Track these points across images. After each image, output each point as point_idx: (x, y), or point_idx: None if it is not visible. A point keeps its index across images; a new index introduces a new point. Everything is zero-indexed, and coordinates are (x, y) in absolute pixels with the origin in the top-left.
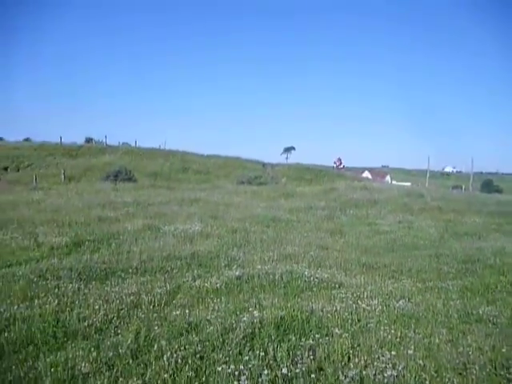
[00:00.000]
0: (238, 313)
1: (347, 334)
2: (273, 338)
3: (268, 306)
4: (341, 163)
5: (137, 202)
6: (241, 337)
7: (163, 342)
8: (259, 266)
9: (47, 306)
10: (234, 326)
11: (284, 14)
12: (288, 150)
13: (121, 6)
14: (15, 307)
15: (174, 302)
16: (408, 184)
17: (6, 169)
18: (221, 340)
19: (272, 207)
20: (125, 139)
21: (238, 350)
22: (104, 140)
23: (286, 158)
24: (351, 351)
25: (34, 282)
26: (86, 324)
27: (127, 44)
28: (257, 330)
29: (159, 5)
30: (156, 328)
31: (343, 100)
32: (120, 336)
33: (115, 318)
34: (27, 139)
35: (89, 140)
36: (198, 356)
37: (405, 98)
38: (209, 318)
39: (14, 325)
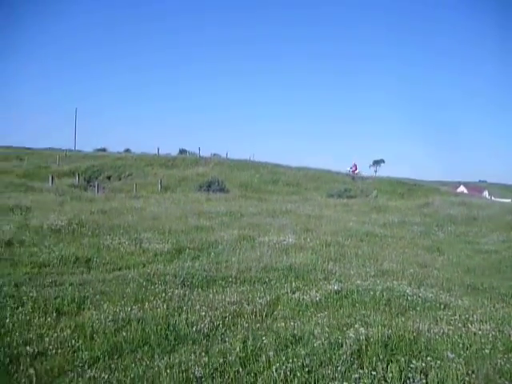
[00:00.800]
0: (342, 328)
1: (460, 359)
2: (381, 356)
3: (372, 323)
4: (356, 169)
5: (230, 212)
6: (348, 353)
7: (271, 353)
8: (358, 282)
9: (158, 309)
10: (340, 341)
11: None
12: (377, 162)
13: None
14: (129, 309)
15: (275, 313)
16: (508, 200)
17: (109, 178)
18: (328, 355)
19: (364, 221)
20: (216, 151)
21: (346, 366)
22: (197, 151)
23: (375, 171)
24: (467, 378)
25: (144, 286)
26: (194, 329)
27: (220, 59)
28: (364, 348)
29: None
30: (263, 338)
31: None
32: (227, 343)
33: (221, 326)
34: (128, 150)
35: (183, 151)
36: (306, 370)
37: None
38: (313, 331)
39: (130, 325)
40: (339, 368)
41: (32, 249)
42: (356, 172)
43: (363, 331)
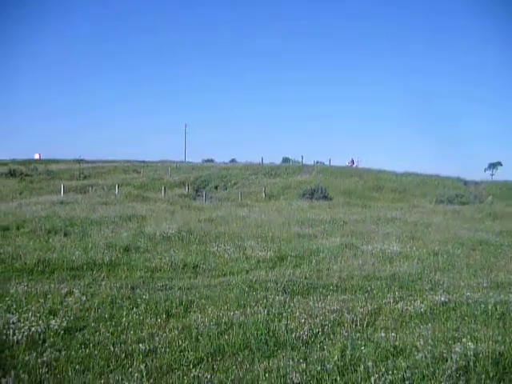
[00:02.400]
0: (448, 342)
1: None
2: (490, 374)
3: (482, 338)
4: (353, 163)
5: (333, 220)
6: (453, 369)
7: (370, 364)
8: (468, 293)
9: (259, 314)
10: (445, 355)
11: None
12: (494, 165)
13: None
14: (232, 313)
15: (376, 323)
16: None
17: (216, 187)
18: (431, 369)
19: (477, 229)
20: (319, 158)
21: (450, 382)
22: (300, 159)
23: (491, 175)
24: None
25: (246, 292)
26: (293, 336)
27: (323, 67)
28: (471, 364)
29: None
30: (362, 348)
31: None
32: (326, 351)
33: (320, 333)
34: (233, 160)
35: (286, 160)
36: (406, 383)
37: None
38: (416, 343)
39: (232, 329)
40: None
41: (146, 254)
42: (354, 165)
43: (471, 346)
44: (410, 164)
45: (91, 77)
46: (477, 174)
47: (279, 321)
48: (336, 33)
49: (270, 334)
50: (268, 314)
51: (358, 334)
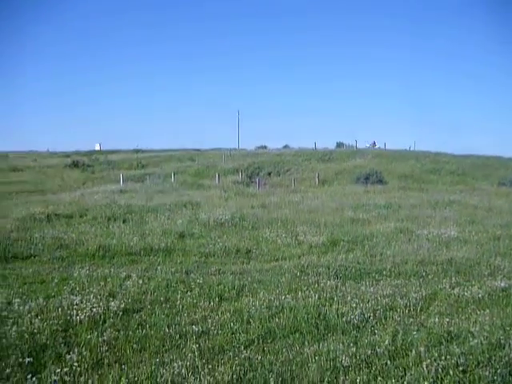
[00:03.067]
0: (506, 328)
1: None
2: None
3: None
4: (375, 144)
5: (388, 205)
6: (511, 356)
7: (422, 349)
8: None
9: (310, 299)
10: (503, 342)
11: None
12: None
13: None
14: (283, 297)
15: (430, 308)
16: None
17: (269, 174)
18: (486, 356)
19: None
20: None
21: (508, 370)
22: (354, 144)
23: None
24: None
25: (298, 277)
26: (344, 320)
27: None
28: None
29: None
30: (414, 333)
31: None
32: (377, 336)
33: (371, 318)
34: (286, 146)
35: (340, 145)
36: (460, 369)
37: None
38: (471, 329)
39: (283, 312)
40: (499, 371)
41: (200, 240)
42: (376, 147)
43: None
44: (470, 146)
45: (146, 68)
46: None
47: (330, 305)
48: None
49: (321, 317)
50: (319, 298)
51: (410, 320)
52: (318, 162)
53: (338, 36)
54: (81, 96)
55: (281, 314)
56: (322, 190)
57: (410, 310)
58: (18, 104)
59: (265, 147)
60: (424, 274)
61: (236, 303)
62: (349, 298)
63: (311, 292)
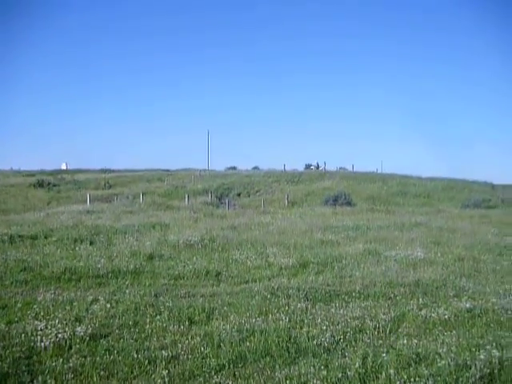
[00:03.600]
0: (472, 349)
1: None
2: None
3: (508, 345)
4: (318, 166)
5: (356, 226)
6: (477, 376)
7: (391, 371)
8: (493, 300)
9: (280, 321)
10: (469, 363)
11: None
12: None
13: None
14: (253, 320)
15: (399, 330)
16: None
17: (239, 195)
18: (454, 377)
19: (505, 233)
20: (342, 164)
21: None
22: (323, 166)
23: None
24: None
25: (268, 299)
26: (314, 343)
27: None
28: (496, 372)
29: None
30: (383, 355)
31: None
32: (347, 358)
33: (342, 340)
34: (256, 167)
35: (308, 166)
36: None
37: None
38: (439, 351)
39: (254, 336)
40: None
41: (169, 262)
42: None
43: (497, 353)
44: (435, 170)
45: (114, 83)
46: (506, 178)
47: (301, 328)
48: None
49: (292, 340)
50: (290, 321)
51: (380, 341)
52: (288, 183)
53: (311, 61)
54: (46, 113)
55: (252, 338)
56: (291, 212)
57: (379, 332)
58: None
59: (234, 168)
60: (392, 295)
61: (206, 327)
62: (319, 320)
63: (282, 315)
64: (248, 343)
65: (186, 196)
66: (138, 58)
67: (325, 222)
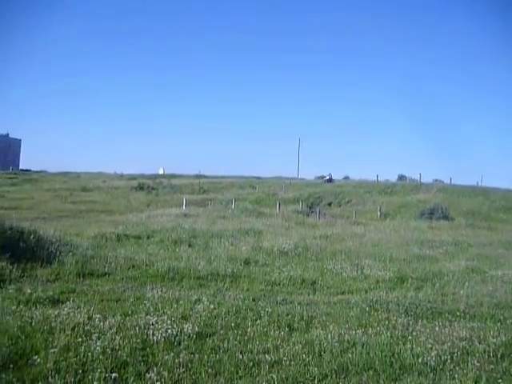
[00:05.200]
0: None
1: None
2: None
3: None
4: (331, 179)
5: (455, 242)
6: None
7: None
8: None
9: (382, 335)
10: None
11: None
12: None
13: None
14: (353, 332)
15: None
16: None
17: (329, 204)
18: None
19: None
20: (438, 177)
21: None
22: (417, 177)
23: None
24: None
25: (367, 312)
26: (419, 360)
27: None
28: None
29: None
30: (499, 381)
31: None
32: (457, 380)
33: (449, 361)
34: (346, 177)
35: (402, 177)
36: None
37: None
38: None
39: (355, 348)
40: None
41: (265, 268)
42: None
43: None
44: None
45: (210, 95)
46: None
47: (403, 344)
48: None
49: (395, 356)
50: (391, 336)
51: (491, 366)
52: (380, 194)
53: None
54: (146, 121)
55: (353, 349)
56: (384, 224)
57: (489, 356)
58: (91, 128)
59: (324, 177)
60: (502, 318)
61: (306, 335)
62: (423, 337)
63: (382, 329)
64: (349, 355)
65: (277, 204)
66: (235, 69)
67: (420, 235)
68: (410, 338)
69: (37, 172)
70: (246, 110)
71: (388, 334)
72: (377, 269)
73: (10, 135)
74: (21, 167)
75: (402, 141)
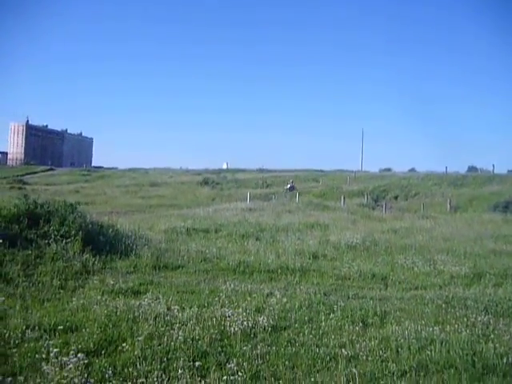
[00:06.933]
0: None
1: None
2: None
3: None
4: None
5: None
6: None
7: None
8: None
9: (461, 333)
10: None
11: None
12: None
13: None
14: (430, 329)
15: None
16: None
17: (395, 197)
18: None
19: None
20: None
21: None
22: (490, 169)
23: None
24: None
25: (443, 308)
26: (504, 361)
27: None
28: None
29: None
30: None
31: None
32: None
33: None
34: (412, 169)
35: (471, 169)
36: None
37: None
38: None
39: (433, 345)
40: None
41: (333, 262)
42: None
43: None
44: None
45: (273, 90)
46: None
47: (485, 343)
48: None
49: (477, 355)
50: (471, 334)
51: None
52: (449, 186)
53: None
54: (209, 117)
55: (431, 347)
56: (454, 217)
57: None
58: (158, 126)
59: (389, 170)
60: None
61: (381, 330)
62: (506, 337)
63: (460, 326)
64: (428, 352)
65: (342, 197)
66: (299, 63)
67: (495, 230)
68: (491, 336)
69: (108, 169)
70: (309, 105)
71: (468, 331)
72: (451, 264)
73: (84, 134)
74: (93, 164)
75: (472, 130)
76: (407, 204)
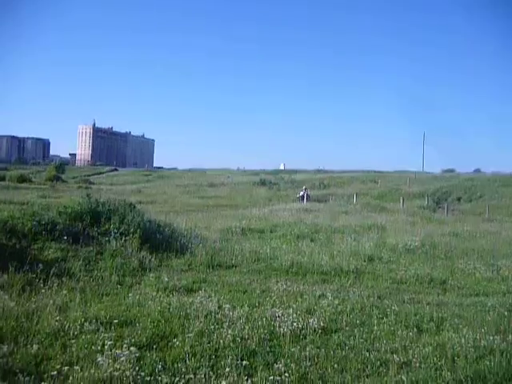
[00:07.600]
0: None
1: None
2: None
3: None
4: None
5: None
6: None
7: None
8: None
9: None
10: None
11: None
12: None
13: None
14: (490, 338)
15: None
16: None
17: (458, 199)
18: None
19: None
20: None
21: None
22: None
23: None
24: None
25: (506, 317)
26: None
27: None
28: None
29: None
30: None
31: None
32: None
33: None
34: (477, 170)
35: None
36: None
37: None
38: None
39: (493, 355)
40: None
41: (390, 265)
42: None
43: None
44: None
45: (330, 92)
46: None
47: None
48: None
49: None
50: None
51: None
52: None
53: None
54: (267, 118)
55: (490, 357)
56: None
57: None
58: (216, 128)
59: (452, 170)
60: None
61: (437, 337)
62: None
63: None
64: (487, 362)
65: (401, 199)
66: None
67: None
68: None
69: (168, 169)
70: (365, 109)
71: None
72: None
73: (146, 136)
74: (154, 165)
75: None
76: (471, 206)
